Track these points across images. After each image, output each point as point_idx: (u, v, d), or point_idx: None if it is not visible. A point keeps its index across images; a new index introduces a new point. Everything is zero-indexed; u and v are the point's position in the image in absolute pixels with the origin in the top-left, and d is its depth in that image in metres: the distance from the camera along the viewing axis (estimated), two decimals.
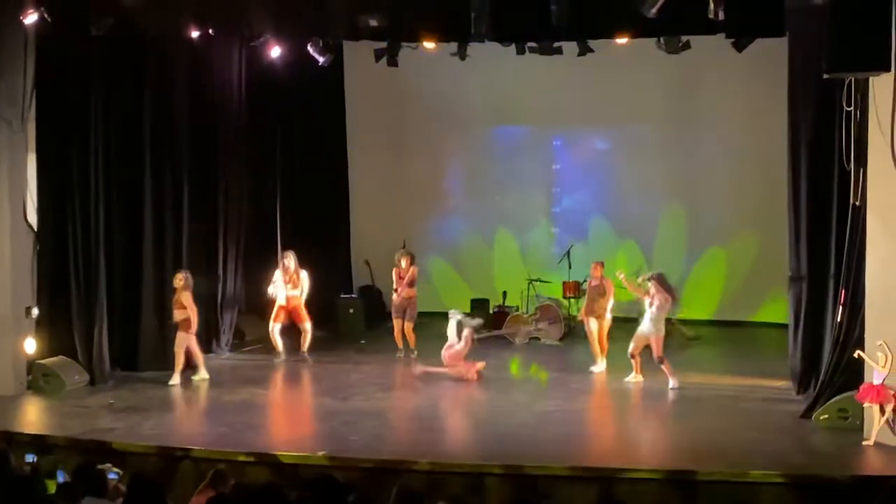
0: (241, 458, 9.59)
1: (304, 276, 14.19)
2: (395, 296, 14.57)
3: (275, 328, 14.17)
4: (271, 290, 14.18)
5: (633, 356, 12.62)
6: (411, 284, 14.46)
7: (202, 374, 13.02)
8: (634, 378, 12.69)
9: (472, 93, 17.16)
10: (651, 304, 12.34)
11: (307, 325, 14.23)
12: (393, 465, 9.33)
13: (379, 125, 17.82)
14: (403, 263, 14.49)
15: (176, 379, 12.72)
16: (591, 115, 17.37)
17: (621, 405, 12.04)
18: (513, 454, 9.78)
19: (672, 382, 12.36)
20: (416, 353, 14.44)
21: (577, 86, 16.61)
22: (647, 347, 12.51)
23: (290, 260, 14.17)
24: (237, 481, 7.49)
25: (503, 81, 16.80)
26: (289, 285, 14.11)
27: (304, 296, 14.22)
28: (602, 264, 13.84)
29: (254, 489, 6.71)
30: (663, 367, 12.41)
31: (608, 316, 13.58)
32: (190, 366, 13.04)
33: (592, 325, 13.59)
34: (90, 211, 12.77)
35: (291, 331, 14.47)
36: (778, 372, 12.56)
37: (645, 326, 12.41)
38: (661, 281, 12.43)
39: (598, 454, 10.11)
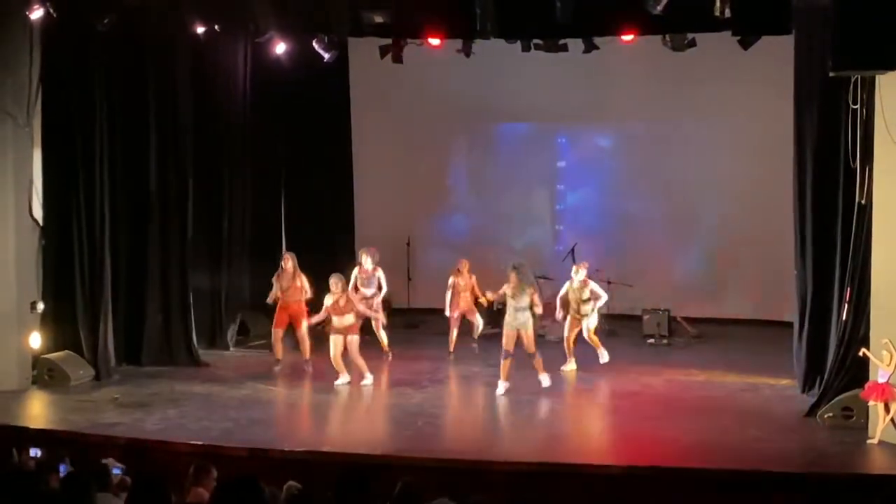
0: (244, 454, 9.61)
1: (304, 280, 13.44)
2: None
3: (278, 333, 13.48)
4: (272, 294, 13.49)
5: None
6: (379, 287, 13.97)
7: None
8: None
9: (477, 90, 17.10)
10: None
11: (304, 331, 13.41)
12: (394, 461, 9.32)
13: (384, 121, 17.80)
14: (369, 263, 13.88)
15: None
16: (595, 113, 17.33)
17: (624, 402, 12.03)
18: (514, 450, 9.79)
19: (543, 379, 12.30)
20: (389, 355, 13.86)
21: (582, 83, 16.57)
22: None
23: (289, 262, 13.51)
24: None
25: (508, 78, 16.74)
26: (289, 289, 13.40)
27: (306, 296, 13.42)
28: (581, 265, 13.64)
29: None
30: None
31: (591, 317, 13.49)
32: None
33: (566, 324, 13.49)
34: (95, 206, 12.79)
35: (289, 333, 13.81)
36: (782, 370, 12.54)
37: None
38: (519, 270, 12.28)
39: (601, 451, 10.10)
